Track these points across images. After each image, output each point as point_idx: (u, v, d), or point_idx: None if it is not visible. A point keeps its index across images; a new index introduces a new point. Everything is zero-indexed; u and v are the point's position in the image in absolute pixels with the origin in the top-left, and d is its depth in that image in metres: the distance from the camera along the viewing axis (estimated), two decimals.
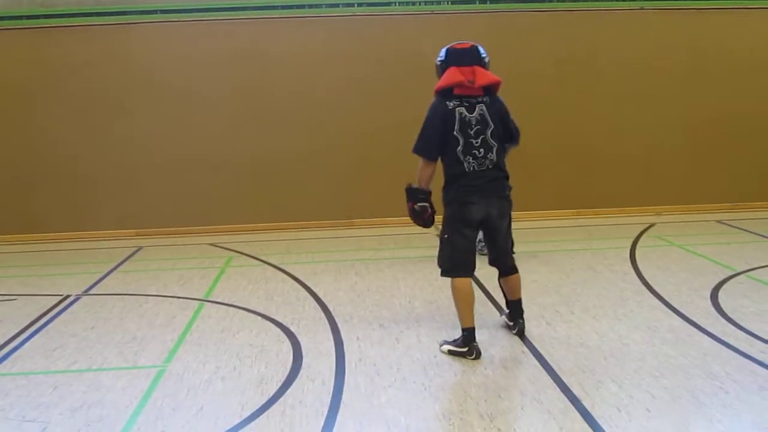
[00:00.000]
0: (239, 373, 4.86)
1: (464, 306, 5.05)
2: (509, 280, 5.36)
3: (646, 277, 6.86)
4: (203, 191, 9.86)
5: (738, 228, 9.05)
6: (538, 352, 5.03)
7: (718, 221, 9.48)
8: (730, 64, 10.07)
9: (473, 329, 5.03)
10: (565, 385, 4.46)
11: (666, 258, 7.62)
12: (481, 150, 4.94)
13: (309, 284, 6.99)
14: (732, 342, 5.12)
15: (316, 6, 9.79)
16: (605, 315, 5.82)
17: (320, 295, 6.61)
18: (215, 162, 9.83)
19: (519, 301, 5.41)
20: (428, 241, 8.73)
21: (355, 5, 9.84)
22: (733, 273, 6.91)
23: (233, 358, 5.15)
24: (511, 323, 5.44)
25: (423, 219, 5.20)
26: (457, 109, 4.95)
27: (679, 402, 4.24)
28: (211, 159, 9.82)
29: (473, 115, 4.96)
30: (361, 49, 9.86)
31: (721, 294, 6.25)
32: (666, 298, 6.17)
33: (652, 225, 9.30)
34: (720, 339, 5.19)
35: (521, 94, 9.74)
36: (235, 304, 6.43)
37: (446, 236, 5.08)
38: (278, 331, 5.66)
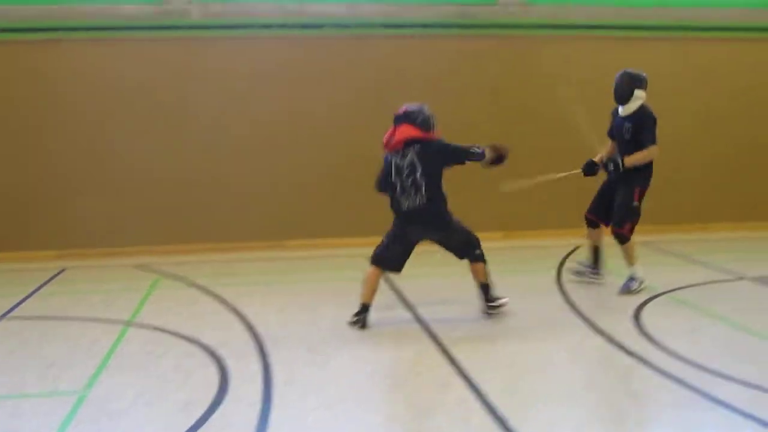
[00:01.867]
0: (163, 398, 4.76)
1: (366, 286, 6.26)
2: (471, 269, 6.37)
3: (572, 298, 6.99)
4: (130, 211, 9.67)
5: (662, 250, 9.31)
6: (466, 373, 5.06)
7: (644, 243, 9.70)
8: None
9: (367, 305, 6.19)
10: (492, 406, 4.50)
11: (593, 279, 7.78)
12: (413, 190, 6.10)
13: (237, 306, 6.90)
14: (653, 361, 5.24)
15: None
16: (531, 336, 5.90)
17: (249, 317, 6.54)
18: (141, 182, 9.67)
19: (482, 285, 6.33)
20: (358, 264, 8.74)
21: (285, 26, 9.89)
22: (656, 293, 7.09)
23: (158, 382, 5.04)
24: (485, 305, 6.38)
25: None
26: (392, 159, 6.20)
27: (602, 421, 4.33)
28: (137, 178, 9.66)
29: (404, 162, 6.13)
30: (285, 68, 9.90)
31: (643, 314, 6.41)
32: (591, 319, 6.29)
33: (578, 247, 9.48)
34: (641, 358, 5.30)
35: (453, 116, 10.00)
36: (161, 327, 6.30)
37: (387, 237, 6.30)
38: (205, 354, 5.57)
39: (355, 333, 6.06)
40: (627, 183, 7.02)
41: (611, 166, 6.95)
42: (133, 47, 9.65)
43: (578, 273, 7.59)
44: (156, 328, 6.26)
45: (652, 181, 7.09)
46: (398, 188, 6.15)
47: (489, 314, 6.33)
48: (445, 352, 5.50)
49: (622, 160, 6.90)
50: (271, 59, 9.86)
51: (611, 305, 6.73)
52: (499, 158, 6.36)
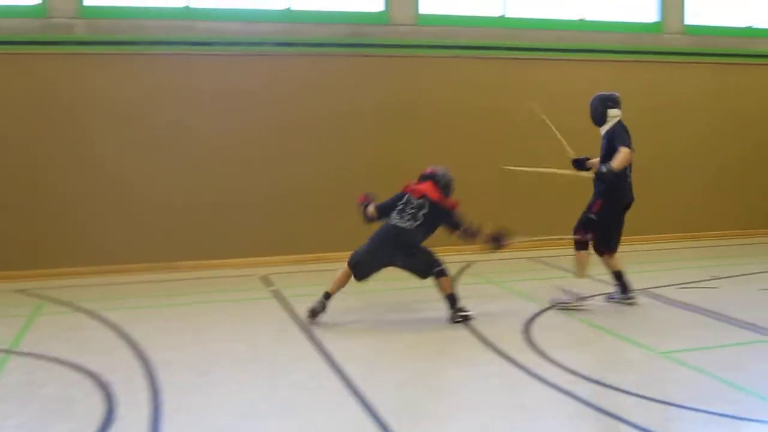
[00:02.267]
0: (46, 429, 4.55)
1: (335, 281, 6.86)
2: (437, 284, 6.91)
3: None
4: (7, 233, 9.22)
5: (550, 265, 9.58)
6: (360, 392, 5.05)
7: (532, 258, 10.00)
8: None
9: (329, 294, 6.80)
10: (385, 424, 4.50)
11: (483, 295, 7.94)
12: (409, 217, 6.89)
13: (126, 331, 6.67)
14: (542, 374, 5.36)
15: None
16: (425, 353, 5.96)
17: (138, 341, 6.33)
18: (18, 202, 9.25)
19: (448, 296, 6.86)
20: (250, 284, 8.64)
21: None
22: (545, 307, 7.28)
23: (39, 413, 4.81)
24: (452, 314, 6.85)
25: None
26: (407, 197, 7.01)
27: None
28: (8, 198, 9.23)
29: (416, 203, 6.94)
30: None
31: (533, 328, 6.57)
32: (482, 335, 6.39)
33: (470, 264, 9.66)
34: (531, 371, 5.42)
35: (343, 135, 10.05)
36: (43, 354, 6.02)
37: (368, 247, 6.89)
38: (90, 381, 5.35)
39: (249, 355, 5.96)
40: (594, 194, 7.30)
41: (603, 169, 7.03)
42: (12, 61, 9.25)
43: (610, 298, 7.57)
44: (38, 356, 5.98)
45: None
46: (396, 212, 6.93)
47: (456, 322, 6.76)
48: (338, 371, 5.48)
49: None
50: (160, 76, 9.65)
51: (502, 320, 6.85)
52: (497, 243, 7.12)
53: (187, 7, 9.80)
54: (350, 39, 10.28)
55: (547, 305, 7.32)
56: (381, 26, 10.43)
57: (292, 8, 10.18)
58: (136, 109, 9.50)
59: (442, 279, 6.87)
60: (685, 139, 11.51)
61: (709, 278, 8.53)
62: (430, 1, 10.64)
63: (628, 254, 10.31)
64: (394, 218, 6.92)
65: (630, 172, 7.26)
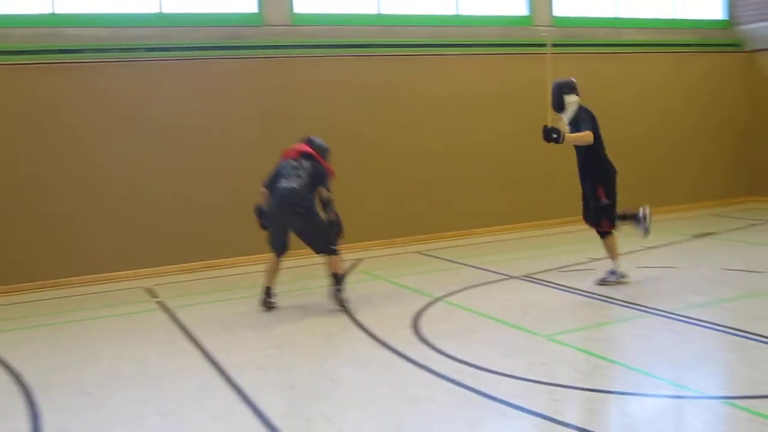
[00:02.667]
0: None
1: (266, 272, 7.44)
2: (326, 261, 7.31)
3: (353, 311, 7.11)
4: None
5: (435, 257, 9.74)
6: (250, 399, 4.98)
7: (418, 252, 10.14)
8: (419, 102, 10.91)
9: (268, 288, 7.36)
10: (276, 429, 4.46)
11: (372, 291, 7.99)
12: (294, 176, 7.22)
13: (1, 354, 6.35)
14: (431, 365, 5.44)
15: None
16: (315, 354, 5.94)
17: (13, 364, 6.03)
18: None
19: (335, 275, 7.17)
20: (134, 297, 8.39)
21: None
22: (432, 299, 7.39)
23: None
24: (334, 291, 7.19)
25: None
26: (287, 163, 7.38)
27: (384, 430, 4.41)
28: None
29: (297, 164, 7.30)
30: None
31: (420, 320, 6.65)
32: (371, 330, 6.43)
33: (359, 260, 9.70)
34: (420, 364, 5.49)
35: (225, 138, 9.88)
36: None
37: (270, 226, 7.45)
38: None
39: (134, 370, 5.78)
40: (590, 186, 7.54)
41: (553, 134, 7.20)
42: None
43: (603, 281, 7.65)
44: None
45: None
46: (282, 178, 7.23)
47: (337, 302, 7.13)
48: (228, 379, 5.39)
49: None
50: (28, 86, 9.22)
51: (391, 315, 6.90)
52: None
53: (53, 14, 9.40)
54: (225, 41, 10.12)
55: (435, 297, 7.43)
56: (256, 27, 10.31)
57: (164, 12, 9.93)
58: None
59: (334, 257, 7.23)
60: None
61: (587, 260, 8.85)
62: (304, 0, 10.59)
63: (510, 242, 10.65)
64: (281, 182, 7.21)
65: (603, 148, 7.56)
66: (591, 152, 7.44)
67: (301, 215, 7.17)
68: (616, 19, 12.73)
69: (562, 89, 7.61)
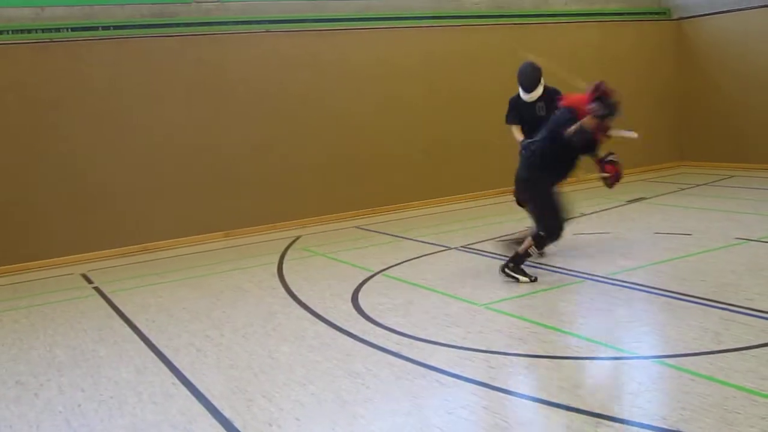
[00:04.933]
0: None
1: None
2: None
3: (292, 289, 7.10)
4: None
5: (373, 231, 9.76)
6: (189, 381, 4.95)
7: (357, 227, 10.15)
8: (350, 78, 10.87)
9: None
10: (217, 409, 4.44)
11: (311, 268, 7.97)
12: None
13: None
14: (371, 339, 5.47)
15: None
16: (254, 333, 5.90)
17: None
18: None
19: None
20: (68, 284, 8.23)
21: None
22: (372, 273, 7.41)
23: None
24: None
25: None
26: None
27: (325, 405, 4.42)
28: None
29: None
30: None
31: (360, 295, 6.67)
32: (311, 307, 6.43)
33: (298, 237, 9.67)
34: (360, 338, 5.52)
35: (153, 119, 9.69)
36: None
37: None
38: None
39: (69, 356, 5.67)
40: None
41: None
42: None
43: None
44: None
45: None
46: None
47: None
48: (166, 362, 5.34)
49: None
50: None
51: (330, 291, 6.91)
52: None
53: None
54: (154, 20, 9.90)
55: (374, 271, 7.45)
56: (185, 5, 10.11)
57: None
58: None
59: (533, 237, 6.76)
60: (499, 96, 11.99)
61: (523, 229, 8.95)
62: None
63: (447, 214, 10.72)
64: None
65: None
66: None
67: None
68: None
69: (539, 71, 7.77)
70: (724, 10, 12.97)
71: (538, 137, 6.93)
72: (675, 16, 13.83)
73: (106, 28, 9.62)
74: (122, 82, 9.59)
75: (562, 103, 6.99)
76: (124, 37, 9.68)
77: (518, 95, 7.92)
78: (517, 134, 7.83)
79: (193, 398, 4.66)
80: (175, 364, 5.28)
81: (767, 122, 12.50)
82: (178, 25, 10.01)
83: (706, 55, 13.38)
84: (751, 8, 12.54)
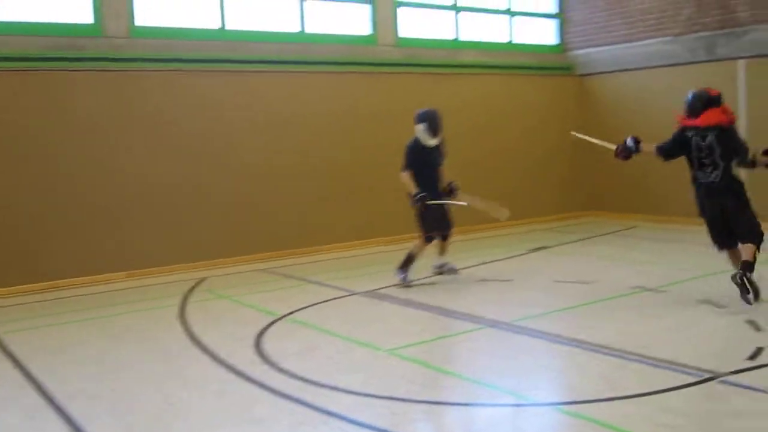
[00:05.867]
0: None
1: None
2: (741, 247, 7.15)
3: (194, 332, 6.94)
4: None
5: (280, 274, 9.67)
6: (81, 428, 4.75)
7: (264, 270, 10.04)
8: (260, 119, 10.85)
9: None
10: None
11: (215, 311, 7.83)
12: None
13: None
14: (273, 385, 5.38)
15: None
16: (153, 377, 5.73)
17: None
18: None
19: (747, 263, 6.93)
20: None
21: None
22: (276, 318, 7.33)
23: None
24: None
25: None
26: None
27: None
28: None
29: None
30: None
31: (264, 339, 6.57)
32: (213, 351, 6.29)
33: (203, 279, 9.50)
34: (262, 383, 5.42)
35: (54, 154, 9.39)
36: None
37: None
38: None
39: None
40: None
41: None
42: None
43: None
44: None
45: None
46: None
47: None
48: (57, 408, 5.12)
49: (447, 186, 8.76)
50: None
51: (233, 335, 6.79)
52: None
53: None
54: (61, 52, 9.66)
55: (279, 315, 7.37)
56: (94, 38, 9.91)
57: None
58: None
59: (749, 247, 7.00)
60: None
61: (429, 275, 9.06)
62: (145, 13, 10.28)
63: (355, 258, 10.74)
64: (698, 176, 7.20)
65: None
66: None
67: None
68: (455, 41, 13.17)
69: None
70: (625, 68, 13.59)
71: None
72: (579, 72, 14.39)
73: (7, 59, 9.32)
74: (23, 114, 9.29)
75: None
76: (27, 69, 9.39)
77: (416, 141, 8.13)
78: (411, 182, 8.04)
79: None
80: (67, 410, 5.07)
81: (666, 175, 13.03)
82: (85, 59, 9.79)
83: (608, 110, 13.93)
84: (650, 68, 13.17)
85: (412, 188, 8.31)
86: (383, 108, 11.91)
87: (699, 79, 12.47)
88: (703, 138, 7.12)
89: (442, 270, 8.97)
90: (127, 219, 9.88)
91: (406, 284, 8.47)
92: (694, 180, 7.31)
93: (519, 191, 13.55)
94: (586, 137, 8.74)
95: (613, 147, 7.87)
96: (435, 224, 8.58)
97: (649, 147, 7.57)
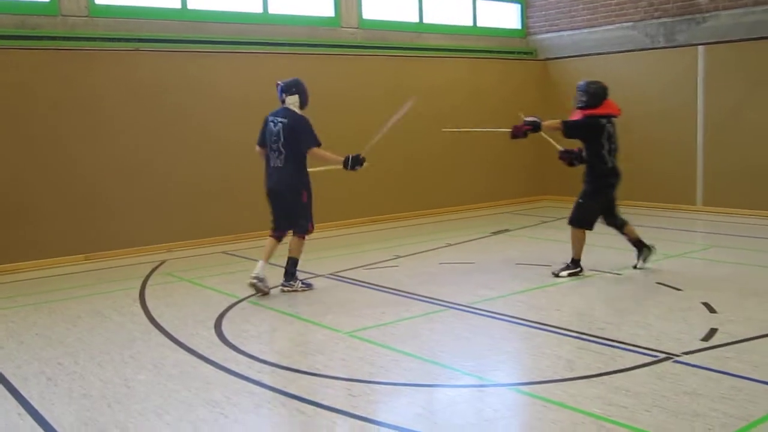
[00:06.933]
0: None
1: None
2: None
3: (154, 315, 6.89)
4: None
5: (241, 257, 9.63)
6: (37, 411, 4.70)
7: (224, 252, 9.99)
8: (222, 101, 10.74)
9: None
10: None
11: (175, 294, 7.77)
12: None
13: None
14: (233, 367, 5.37)
15: None
16: (111, 360, 5.68)
17: None
18: None
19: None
20: None
21: None
22: (237, 300, 7.30)
23: None
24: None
25: None
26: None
27: None
28: None
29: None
30: None
31: (224, 322, 6.55)
32: (173, 334, 6.25)
33: (163, 262, 9.42)
34: (222, 366, 5.41)
35: (14, 135, 9.23)
36: None
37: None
38: None
39: None
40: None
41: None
42: None
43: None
44: None
45: None
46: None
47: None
48: (14, 392, 5.05)
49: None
50: None
51: (193, 317, 6.75)
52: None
53: None
54: (17, 31, 9.47)
55: (240, 298, 7.35)
56: (50, 17, 9.73)
57: None
58: None
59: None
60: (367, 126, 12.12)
61: (391, 257, 9.09)
62: None
63: (318, 241, 10.73)
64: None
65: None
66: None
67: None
68: (419, 24, 13.17)
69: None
70: (587, 53, 13.70)
71: None
72: (541, 57, 14.47)
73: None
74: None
75: None
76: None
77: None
78: (328, 153, 7.54)
79: (40, 430, 4.43)
80: (23, 393, 5.01)
81: (622, 159, 13.20)
82: (42, 38, 9.62)
83: (570, 94, 13.96)
84: (612, 53, 13.30)
85: (335, 157, 7.50)
86: (346, 91, 11.88)
87: (659, 64, 12.71)
88: (612, 125, 7.89)
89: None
90: (84, 201, 9.74)
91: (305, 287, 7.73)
92: (612, 166, 7.89)
93: (483, 175, 13.64)
94: (461, 129, 9.22)
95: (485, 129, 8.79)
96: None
97: (553, 122, 7.99)
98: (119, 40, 10.08)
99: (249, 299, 7.34)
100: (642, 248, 8.11)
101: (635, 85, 12.85)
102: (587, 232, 7.96)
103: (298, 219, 7.52)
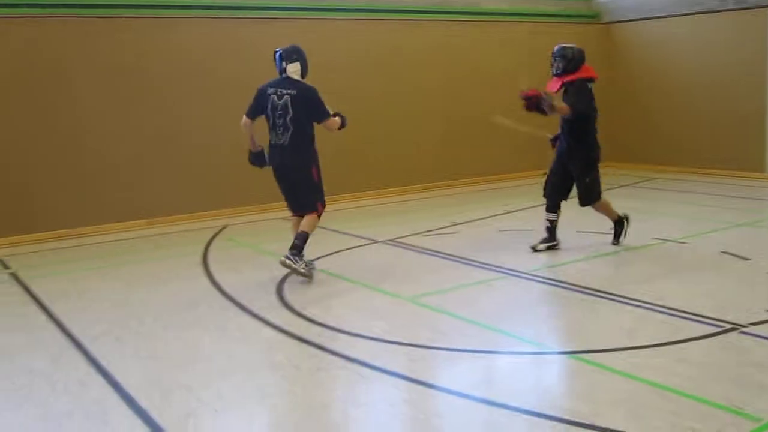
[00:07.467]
0: None
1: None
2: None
3: (217, 279, 7.01)
4: None
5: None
6: (106, 370, 4.84)
7: (284, 218, 10.06)
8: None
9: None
10: (133, 399, 4.36)
11: (236, 259, 7.89)
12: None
13: None
14: (294, 330, 5.45)
15: None
16: (175, 323, 5.81)
17: None
18: None
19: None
20: None
21: None
22: None
23: None
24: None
25: None
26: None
27: (245, 397, 4.39)
28: None
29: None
30: None
31: (285, 287, 6.63)
32: (235, 297, 6.36)
33: (224, 227, 9.56)
34: (283, 329, 5.49)
35: (69, 103, 9.33)
36: None
37: None
38: None
39: None
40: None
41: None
42: None
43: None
44: None
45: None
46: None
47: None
48: (83, 351, 5.21)
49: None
50: None
51: (255, 282, 6.84)
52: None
53: None
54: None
55: None
56: None
57: None
58: None
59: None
60: (417, 92, 12.04)
61: (449, 224, 9.06)
62: None
63: (375, 208, 10.75)
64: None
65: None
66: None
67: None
68: None
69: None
70: (652, 16, 13.33)
71: None
72: (605, 20, 14.13)
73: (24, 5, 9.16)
74: (36, 62, 9.21)
75: None
76: (40, 16, 9.24)
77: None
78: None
79: (109, 388, 4.57)
80: (92, 353, 5.16)
81: (688, 125, 12.92)
82: (97, 6, 9.63)
83: (633, 58, 13.75)
84: (678, 15, 12.92)
85: (341, 119, 7.00)
86: (407, 56, 11.78)
87: (727, 27, 12.30)
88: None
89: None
90: (147, 167, 9.89)
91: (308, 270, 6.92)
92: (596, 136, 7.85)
93: (542, 141, 13.41)
94: (506, 122, 8.60)
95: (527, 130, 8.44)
96: None
97: (560, 104, 7.49)
98: (140, 7, 9.83)
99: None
100: (551, 240, 7.69)
101: (702, 49, 12.49)
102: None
103: (309, 198, 6.87)
